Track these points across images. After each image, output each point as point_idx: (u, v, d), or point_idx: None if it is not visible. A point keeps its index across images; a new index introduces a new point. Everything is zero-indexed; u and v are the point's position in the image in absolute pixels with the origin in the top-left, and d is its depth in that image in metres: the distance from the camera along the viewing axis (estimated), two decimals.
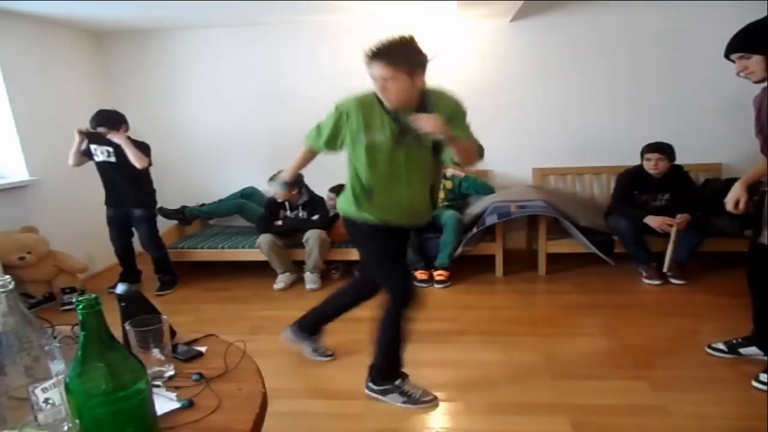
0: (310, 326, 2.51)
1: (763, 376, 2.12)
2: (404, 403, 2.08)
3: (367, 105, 1.90)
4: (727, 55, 1.98)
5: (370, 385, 2.16)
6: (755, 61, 1.86)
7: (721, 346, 2.37)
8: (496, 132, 4.06)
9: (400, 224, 2.03)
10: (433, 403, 2.10)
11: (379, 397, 2.13)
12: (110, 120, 3.34)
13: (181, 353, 1.16)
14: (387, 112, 1.87)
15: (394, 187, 1.94)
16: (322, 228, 3.57)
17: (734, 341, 2.35)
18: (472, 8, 3.57)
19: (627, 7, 3.76)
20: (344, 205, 2.05)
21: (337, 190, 4.06)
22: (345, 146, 1.97)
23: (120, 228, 3.58)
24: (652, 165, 3.31)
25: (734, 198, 2.09)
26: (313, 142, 2.05)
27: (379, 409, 2.08)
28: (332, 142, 1.98)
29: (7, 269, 3.14)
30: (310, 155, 2.13)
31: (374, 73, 1.80)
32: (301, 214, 3.70)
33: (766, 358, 2.18)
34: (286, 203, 3.71)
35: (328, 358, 2.53)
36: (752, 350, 2.28)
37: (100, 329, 0.73)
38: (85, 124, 3.35)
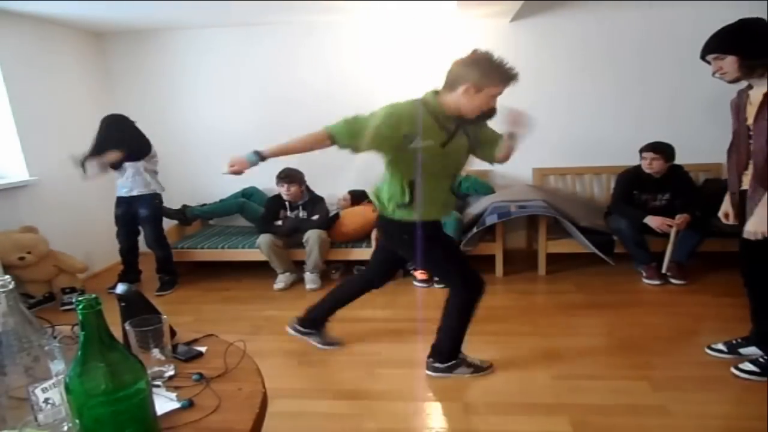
0: (313, 321, 2.62)
1: (747, 365, 2.17)
2: (472, 373, 2.31)
3: (416, 112, 1.99)
4: (703, 56, 2.05)
5: (436, 365, 2.32)
6: (729, 61, 1.94)
7: (720, 346, 2.37)
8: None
9: (438, 219, 2.20)
10: (490, 369, 2.35)
11: (447, 374, 2.30)
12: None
13: (181, 353, 1.16)
14: (436, 119, 1.99)
15: (438, 185, 2.10)
16: (321, 228, 3.57)
17: (734, 341, 2.35)
18: (472, 8, 3.57)
19: (627, 7, 3.76)
20: (400, 212, 2.09)
21: (358, 194, 4.07)
22: (384, 149, 2.02)
23: (127, 226, 3.59)
24: (647, 164, 3.33)
25: (723, 212, 2.24)
26: (348, 140, 1.97)
27: (379, 409, 2.08)
28: (378, 145, 1.99)
29: (7, 269, 3.14)
30: (322, 144, 2.04)
31: (500, 92, 2.00)
32: (302, 214, 3.71)
33: (766, 357, 2.19)
34: (287, 203, 3.71)
35: (336, 347, 2.63)
36: (752, 350, 2.28)
37: (100, 329, 0.73)
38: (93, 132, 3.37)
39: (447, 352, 2.30)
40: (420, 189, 2.05)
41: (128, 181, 3.47)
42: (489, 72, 1.94)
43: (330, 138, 1.99)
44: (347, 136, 1.97)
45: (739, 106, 2.08)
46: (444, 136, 2.01)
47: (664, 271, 3.30)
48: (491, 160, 2.20)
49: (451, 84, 1.98)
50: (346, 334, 2.84)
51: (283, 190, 3.65)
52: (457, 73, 1.97)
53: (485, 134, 2.17)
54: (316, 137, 2.03)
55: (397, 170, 2.06)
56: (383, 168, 2.13)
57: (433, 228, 2.15)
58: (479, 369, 2.32)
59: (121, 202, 3.54)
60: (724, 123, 3.85)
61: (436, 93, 2.04)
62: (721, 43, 1.96)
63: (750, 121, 2.00)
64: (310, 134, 2.05)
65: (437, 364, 2.31)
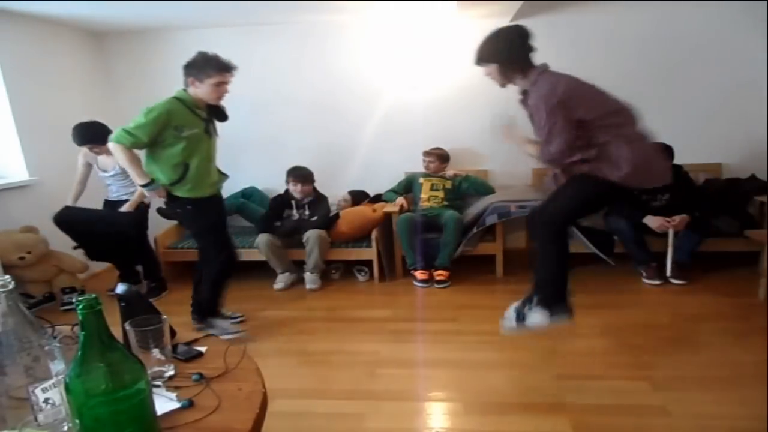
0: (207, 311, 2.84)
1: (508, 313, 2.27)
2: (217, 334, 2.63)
3: (178, 107, 2.47)
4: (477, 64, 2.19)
5: (194, 317, 2.82)
6: (492, 69, 2.12)
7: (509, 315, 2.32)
8: (495, 132, 4.06)
9: (213, 195, 2.70)
10: (238, 334, 2.70)
11: (201, 327, 2.71)
12: (97, 135, 3.26)
13: (181, 353, 1.16)
14: (193, 111, 2.51)
15: (207, 166, 2.61)
16: (321, 228, 3.57)
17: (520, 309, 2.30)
18: (472, 8, 3.57)
19: (627, 7, 3.76)
20: (178, 190, 2.54)
21: (359, 194, 4.08)
22: (159, 141, 2.46)
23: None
24: None
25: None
26: (134, 142, 2.42)
27: (379, 409, 2.08)
28: (153, 139, 2.44)
29: (7, 269, 3.13)
30: (135, 155, 2.50)
31: (221, 80, 2.49)
32: (307, 212, 3.71)
33: (553, 321, 2.14)
34: (293, 201, 3.71)
35: (239, 325, 2.89)
36: (537, 316, 2.17)
37: (100, 329, 0.73)
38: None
39: (203, 311, 2.76)
40: (193, 170, 2.52)
41: (114, 184, 3.47)
42: (202, 66, 2.45)
43: (127, 148, 2.42)
44: (133, 140, 2.41)
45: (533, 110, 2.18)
46: (202, 124, 2.54)
47: (668, 274, 3.30)
48: None
49: (185, 82, 2.51)
50: (346, 334, 2.84)
51: (297, 189, 3.66)
52: (184, 72, 2.50)
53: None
54: (128, 155, 2.45)
55: (172, 155, 2.48)
56: (148, 155, 2.53)
57: (206, 203, 2.63)
58: (225, 332, 2.65)
59: (107, 205, 3.51)
60: (724, 123, 3.87)
61: (185, 90, 2.52)
62: (481, 54, 2.13)
63: None
64: (125, 158, 2.45)
65: (195, 316, 2.81)
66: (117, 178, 3.45)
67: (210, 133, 2.62)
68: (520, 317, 2.24)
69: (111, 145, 2.46)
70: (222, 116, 2.73)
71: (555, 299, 2.15)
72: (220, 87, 2.51)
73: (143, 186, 2.53)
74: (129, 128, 2.41)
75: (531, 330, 2.20)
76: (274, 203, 3.78)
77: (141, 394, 0.76)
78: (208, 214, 2.67)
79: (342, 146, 4.28)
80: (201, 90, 2.50)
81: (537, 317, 2.16)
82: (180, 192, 2.56)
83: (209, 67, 2.46)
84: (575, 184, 2.15)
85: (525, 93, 2.17)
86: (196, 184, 2.57)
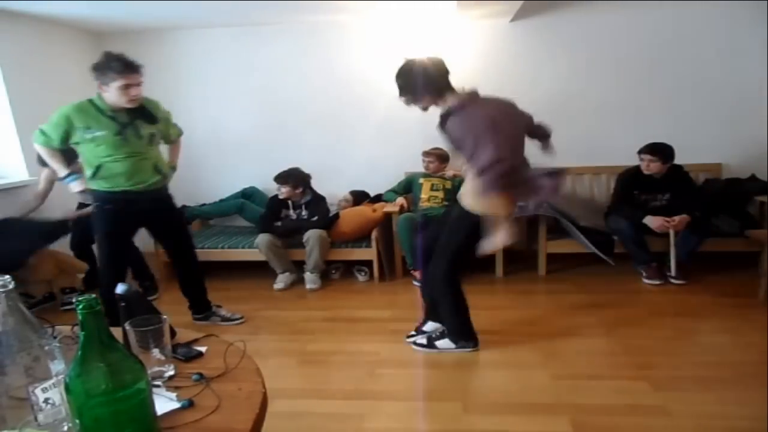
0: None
1: (420, 339, 2.58)
2: None
3: (85, 109, 2.44)
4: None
5: None
6: (409, 99, 2.31)
7: (421, 340, 2.60)
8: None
9: (144, 192, 2.58)
10: None
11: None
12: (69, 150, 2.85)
13: (181, 353, 1.16)
14: (105, 114, 2.44)
15: (123, 162, 2.49)
16: (322, 228, 3.57)
17: (433, 336, 2.59)
18: (472, 8, 3.57)
19: (627, 7, 3.76)
20: (95, 183, 2.54)
21: (360, 194, 4.10)
22: (74, 141, 2.47)
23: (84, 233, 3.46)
24: (644, 166, 3.36)
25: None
26: (46, 140, 2.46)
27: (379, 409, 2.08)
28: (62, 139, 2.45)
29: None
30: (54, 152, 2.53)
31: (139, 81, 2.45)
32: (304, 213, 3.71)
33: (457, 349, 2.49)
34: (290, 202, 3.72)
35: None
36: (446, 342, 2.53)
37: (100, 329, 0.73)
38: None
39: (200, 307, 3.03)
40: (104, 171, 2.48)
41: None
42: (104, 69, 2.38)
43: (42, 146, 2.49)
44: (46, 139, 2.45)
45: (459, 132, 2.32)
46: (115, 126, 2.44)
47: (673, 275, 3.30)
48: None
49: (98, 85, 2.42)
50: (346, 334, 2.84)
51: (281, 191, 3.69)
52: (92, 75, 2.43)
53: (165, 131, 2.74)
54: (46, 151, 2.51)
55: (85, 154, 2.49)
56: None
57: (114, 200, 2.53)
58: None
59: (82, 206, 3.31)
60: (724, 123, 3.87)
61: (99, 94, 2.48)
62: (400, 89, 2.32)
63: None
64: (44, 154, 2.54)
65: (194, 315, 3.10)
66: None
67: (126, 135, 2.46)
68: (430, 342, 2.57)
69: (35, 144, 2.53)
70: (149, 117, 2.57)
71: (461, 336, 2.51)
72: (129, 89, 2.38)
73: (62, 179, 2.58)
74: (42, 128, 2.47)
75: (440, 352, 2.53)
76: (271, 203, 3.79)
77: (141, 394, 0.76)
78: (115, 220, 2.58)
79: (342, 146, 4.28)
80: (109, 94, 2.39)
81: (446, 344, 2.53)
82: (94, 185, 2.54)
83: (110, 69, 2.35)
84: (451, 235, 2.36)
85: (444, 117, 2.27)
86: (110, 181, 2.51)
